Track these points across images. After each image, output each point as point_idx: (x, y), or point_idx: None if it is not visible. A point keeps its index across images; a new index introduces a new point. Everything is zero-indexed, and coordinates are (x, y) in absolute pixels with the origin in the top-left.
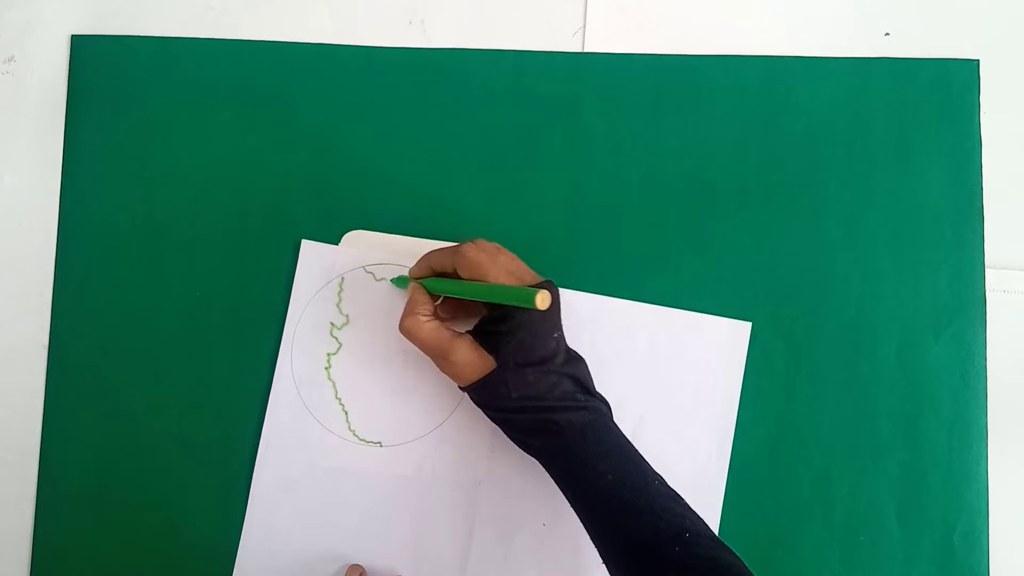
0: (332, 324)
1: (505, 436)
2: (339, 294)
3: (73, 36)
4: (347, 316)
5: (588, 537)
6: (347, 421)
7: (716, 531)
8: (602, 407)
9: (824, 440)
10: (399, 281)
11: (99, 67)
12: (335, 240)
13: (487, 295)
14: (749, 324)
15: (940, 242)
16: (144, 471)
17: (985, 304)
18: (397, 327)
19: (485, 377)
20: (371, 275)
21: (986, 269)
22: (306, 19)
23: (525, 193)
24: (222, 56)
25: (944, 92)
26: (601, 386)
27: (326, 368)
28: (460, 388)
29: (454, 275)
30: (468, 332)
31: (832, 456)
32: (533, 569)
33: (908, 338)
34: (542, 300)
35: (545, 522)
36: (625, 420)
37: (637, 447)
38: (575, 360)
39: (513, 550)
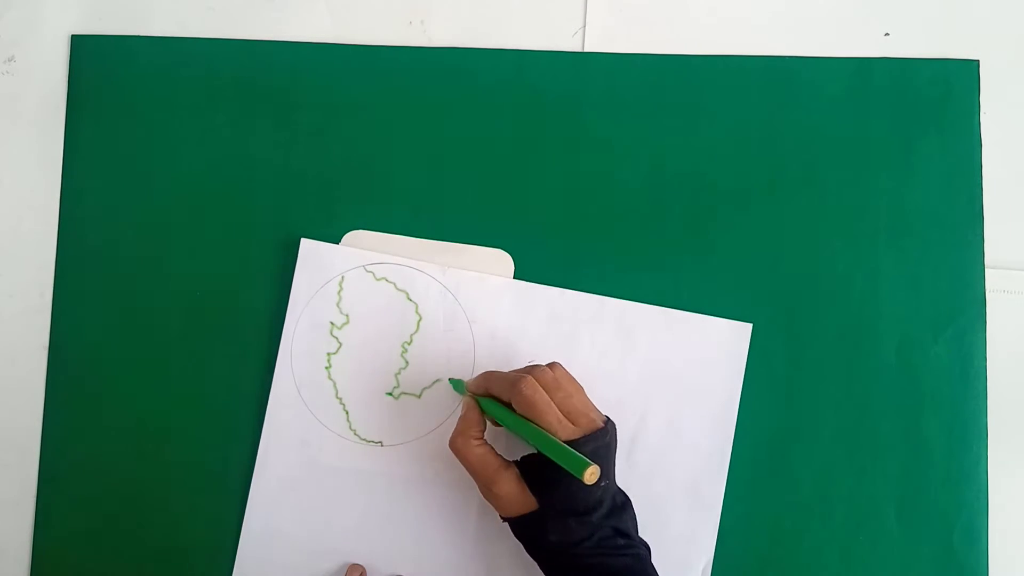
0: (332, 323)
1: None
2: (339, 293)
3: (73, 36)
4: (347, 315)
5: None
6: (348, 420)
7: (716, 532)
8: (641, 552)
9: (824, 440)
10: (456, 384)
11: (99, 67)
12: (335, 241)
13: (537, 442)
14: (750, 326)
15: (940, 242)
16: (144, 471)
17: (985, 304)
18: (396, 326)
19: (525, 516)
20: (371, 274)
21: (986, 269)
22: (306, 19)
23: (525, 193)
24: (222, 56)
25: (944, 92)
26: (602, 386)
27: (326, 367)
28: (501, 518)
29: (510, 404)
30: (516, 463)
31: (832, 456)
32: (533, 570)
33: (908, 338)
34: (591, 475)
35: None
36: (625, 420)
37: (637, 448)
38: (619, 509)
39: (514, 550)
